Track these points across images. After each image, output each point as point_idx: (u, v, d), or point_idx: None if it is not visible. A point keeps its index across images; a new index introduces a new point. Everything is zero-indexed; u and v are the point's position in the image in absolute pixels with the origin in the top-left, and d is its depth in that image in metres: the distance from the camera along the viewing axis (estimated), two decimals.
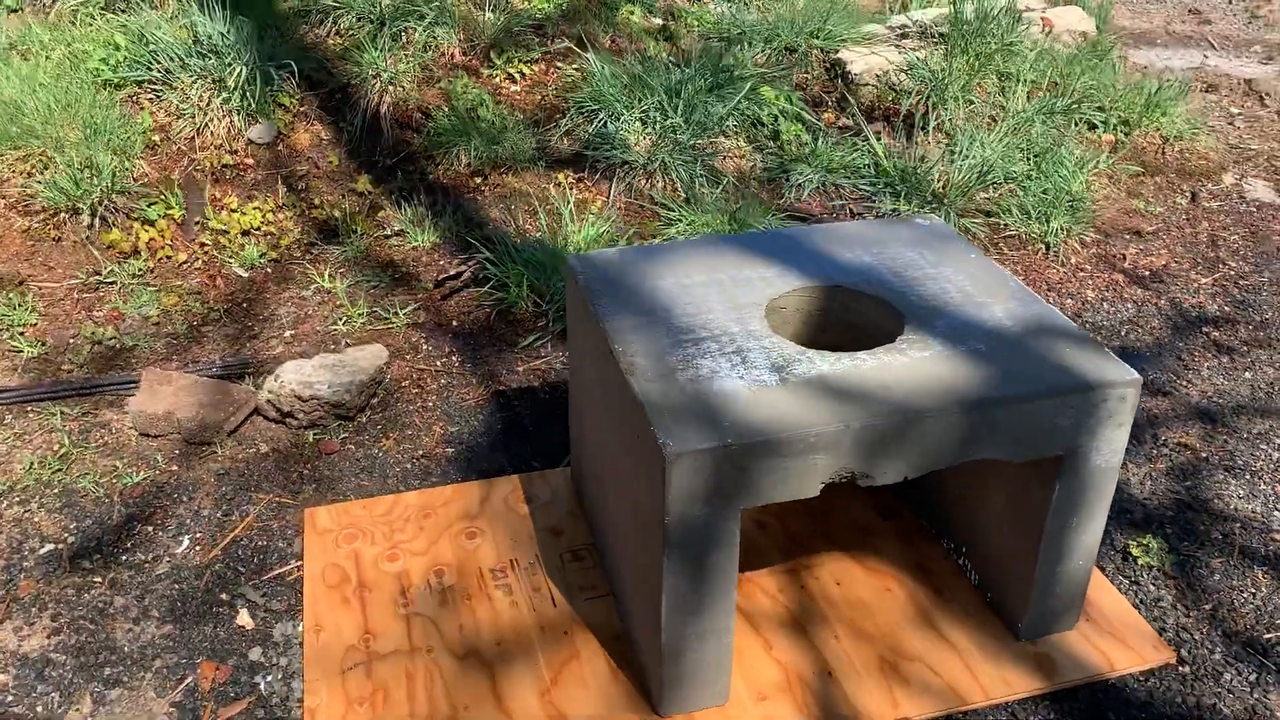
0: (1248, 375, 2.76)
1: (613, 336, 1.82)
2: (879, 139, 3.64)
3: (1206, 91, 4.57)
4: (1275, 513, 2.29)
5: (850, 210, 3.40)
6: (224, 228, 3.11)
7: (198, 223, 3.13)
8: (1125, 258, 3.31)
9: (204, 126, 3.32)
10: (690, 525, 1.61)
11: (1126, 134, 3.92)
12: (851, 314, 2.00)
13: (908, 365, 1.74)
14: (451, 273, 2.98)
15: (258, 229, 3.14)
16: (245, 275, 3.04)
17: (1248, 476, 2.39)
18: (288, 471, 2.37)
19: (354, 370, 2.54)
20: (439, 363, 2.73)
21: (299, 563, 2.14)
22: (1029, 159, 3.55)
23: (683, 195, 3.30)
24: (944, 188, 3.41)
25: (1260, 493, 2.34)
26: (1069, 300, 3.08)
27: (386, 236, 3.20)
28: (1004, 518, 1.94)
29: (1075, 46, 4.36)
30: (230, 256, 3.08)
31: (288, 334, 2.84)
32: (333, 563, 2.12)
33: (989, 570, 2.01)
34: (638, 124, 3.46)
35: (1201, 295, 3.13)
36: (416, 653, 1.92)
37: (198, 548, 2.17)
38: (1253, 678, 1.90)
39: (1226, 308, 3.07)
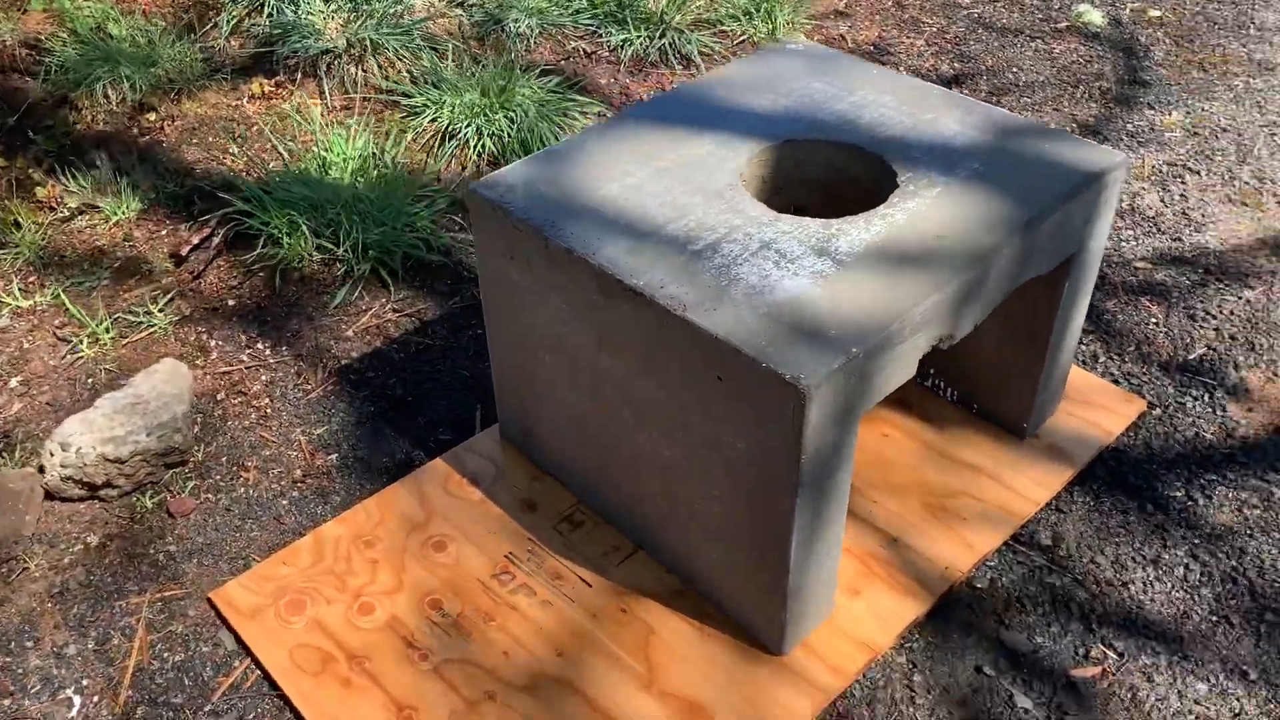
0: None
1: (615, 270, 1.50)
2: None
3: None
4: (1123, 244, 2.47)
5: (584, 50, 3.10)
6: None
7: None
8: (845, 38, 3.33)
9: None
10: (822, 455, 1.41)
11: None
12: (807, 169, 1.80)
13: (934, 206, 1.60)
14: (195, 242, 2.36)
15: None
16: None
17: None
18: (145, 557, 1.81)
19: (164, 401, 1.95)
20: (246, 357, 2.18)
21: (245, 661, 1.66)
22: None
23: (414, 75, 2.82)
24: (658, 8, 3.20)
25: None
26: None
27: (66, 219, 2.45)
28: (996, 330, 1.90)
29: None
30: None
31: (14, 383, 2.12)
32: (298, 644, 1.66)
33: (979, 383, 1.99)
34: (320, 1, 2.88)
35: (928, 58, 3.24)
36: (478, 707, 1.58)
37: (97, 700, 1.61)
38: (1206, 397, 2.08)
39: (956, 64, 3.21)
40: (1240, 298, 2.31)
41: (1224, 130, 2.89)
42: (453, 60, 2.89)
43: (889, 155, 1.72)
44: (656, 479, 1.66)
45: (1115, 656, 1.66)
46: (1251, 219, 2.54)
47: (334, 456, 1.99)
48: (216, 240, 2.36)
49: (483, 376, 2.15)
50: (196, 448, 1.98)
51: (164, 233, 2.45)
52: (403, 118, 2.72)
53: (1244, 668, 1.64)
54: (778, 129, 1.80)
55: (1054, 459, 1.94)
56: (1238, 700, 1.60)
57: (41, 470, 1.90)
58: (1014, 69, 3.18)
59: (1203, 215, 2.56)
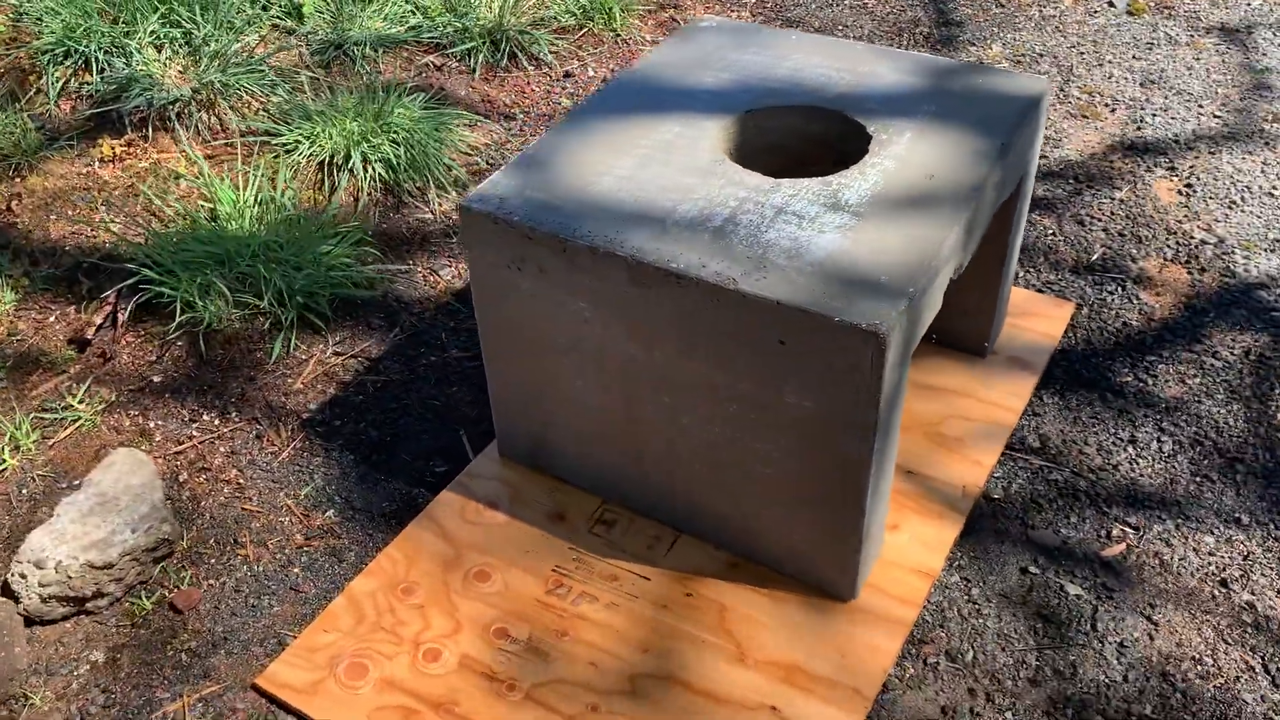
0: None
1: (650, 258, 1.50)
2: None
3: None
4: None
5: (433, 65, 3.03)
6: None
7: None
8: (678, 20, 3.41)
9: None
10: (889, 397, 1.47)
11: None
12: (769, 135, 1.85)
13: (914, 150, 1.69)
14: (98, 322, 2.16)
15: None
16: None
17: None
18: (165, 661, 1.66)
19: (136, 493, 1.79)
20: (195, 432, 2.02)
21: None
22: None
23: (271, 112, 2.68)
24: (496, 13, 3.17)
25: None
26: None
27: None
28: None
29: None
30: None
31: None
32: (375, 708, 1.57)
33: (941, 313, 2.11)
34: (151, 50, 2.68)
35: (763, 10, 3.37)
36: None
37: None
38: (1120, 290, 2.28)
39: (778, 22, 3.35)
40: (1113, 199, 2.55)
41: (1040, 56, 3.16)
42: (310, 90, 2.77)
43: (849, 111, 1.80)
44: (701, 458, 1.67)
45: (1132, 531, 1.81)
46: (1095, 129, 2.81)
47: (330, 513, 1.88)
48: (121, 316, 2.17)
49: (455, 401, 2.09)
50: (180, 537, 1.83)
51: (52, 319, 2.23)
52: (274, 157, 2.58)
53: (1237, 515, 1.83)
54: (732, 102, 1.84)
55: (1017, 369, 2.09)
56: (1242, 544, 1.78)
57: (14, 598, 1.70)
58: (840, 26, 3.36)
59: (1055, 132, 2.80)
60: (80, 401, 2.06)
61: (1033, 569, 1.76)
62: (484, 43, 3.09)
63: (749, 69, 1.93)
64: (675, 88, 1.89)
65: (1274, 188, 2.54)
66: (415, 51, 3.08)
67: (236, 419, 2.05)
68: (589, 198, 1.63)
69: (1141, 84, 2.98)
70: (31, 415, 2.03)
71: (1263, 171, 2.60)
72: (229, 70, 2.67)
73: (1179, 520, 1.83)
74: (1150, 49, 3.16)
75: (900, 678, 1.62)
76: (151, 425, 2.03)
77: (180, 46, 2.69)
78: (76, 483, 1.89)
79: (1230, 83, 2.97)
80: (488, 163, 2.73)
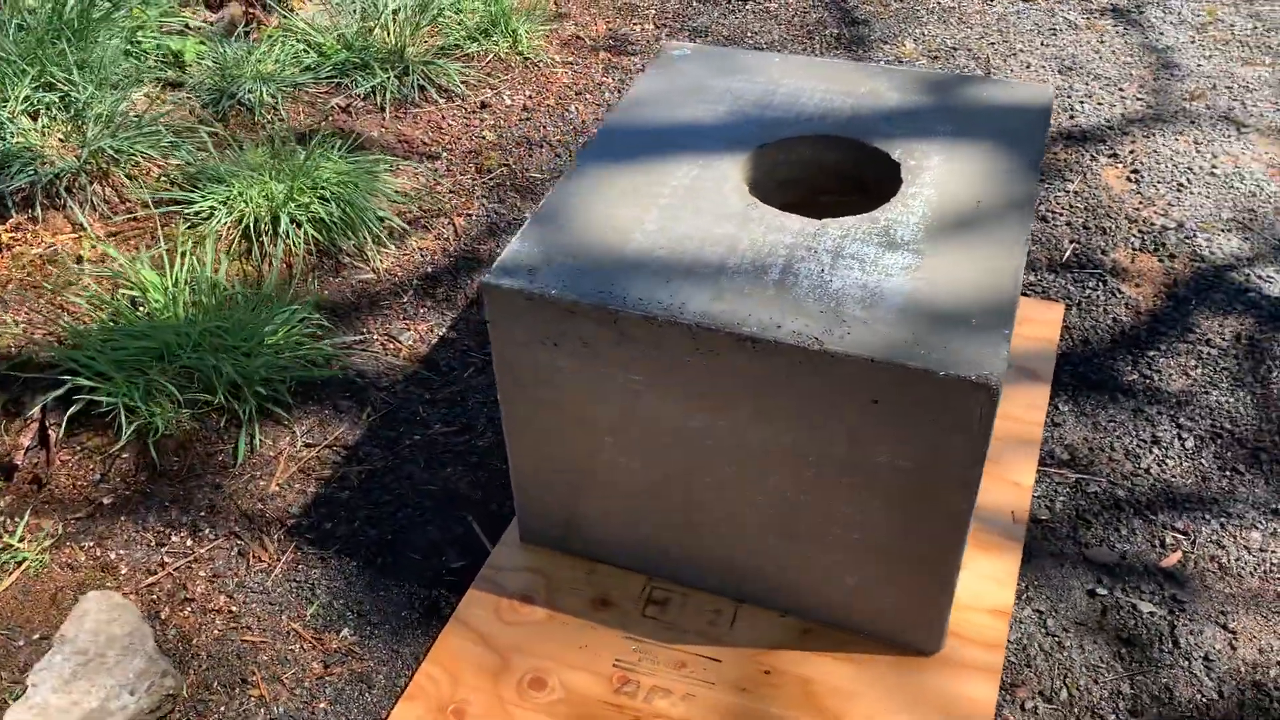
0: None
1: (717, 323, 1.37)
2: (251, 24, 2.96)
3: None
4: None
5: (339, 106, 2.80)
6: None
7: None
8: (581, 37, 3.26)
9: None
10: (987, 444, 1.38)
11: None
12: (780, 170, 1.74)
13: (950, 175, 1.61)
14: (26, 443, 1.87)
15: None
16: None
17: None
18: None
19: (124, 645, 1.54)
20: (167, 558, 1.77)
21: None
22: None
23: (172, 177, 2.41)
24: (394, 43, 2.96)
25: None
26: (616, 90, 2.98)
27: None
28: None
29: None
30: None
31: None
32: None
33: None
34: (26, 119, 2.36)
35: (666, 40, 3.26)
36: None
37: None
38: (1101, 285, 2.28)
39: (696, 41, 3.25)
40: (1068, 191, 2.55)
41: (954, 50, 3.16)
42: (213, 149, 2.50)
43: (865, 138, 1.71)
44: (770, 526, 1.55)
45: (1183, 537, 1.79)
46: None
47: (345, 632, 1.68)
48: (54, 434, 1.89)
49: (452, 484, 1.90)
50: (181, 687, 1.59)
51: None
52: (189, 228, 2.31)
53: (1274, 506, 1.83)
54: (739, 135, 1.72)
55: (1026, 379, 2.05)
56: None
57: None
58: (749, 33, 3.28)
59: None
60: (20, 540, 1.78)
61: (1100, 590, 1.72)
62: (388, 77, 2.87)
63: (744, 98, 1.82)
64: (674, 125, 1.76)
65: (1214, 167, 2.59)
66: (316, 93, 2.84)
67: (212, 536, 1.81)
68: (626, 259, 1.48)
69: (1060, 71, 3.01)
70: None
71: (1198, 151, 2.65)
72: (119, 134, 2.38)
73: (1222, 519, 1.81)
74: (1054, 35, 3.21)
75: None
76: (113, 556, 1.77)
77: (58, 112, 2.39)
78: (38, 638, 1.63)
79: (1140, 64, 3.04)
80: (421, 209, 2.53)
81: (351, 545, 1.80)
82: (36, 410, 1.91)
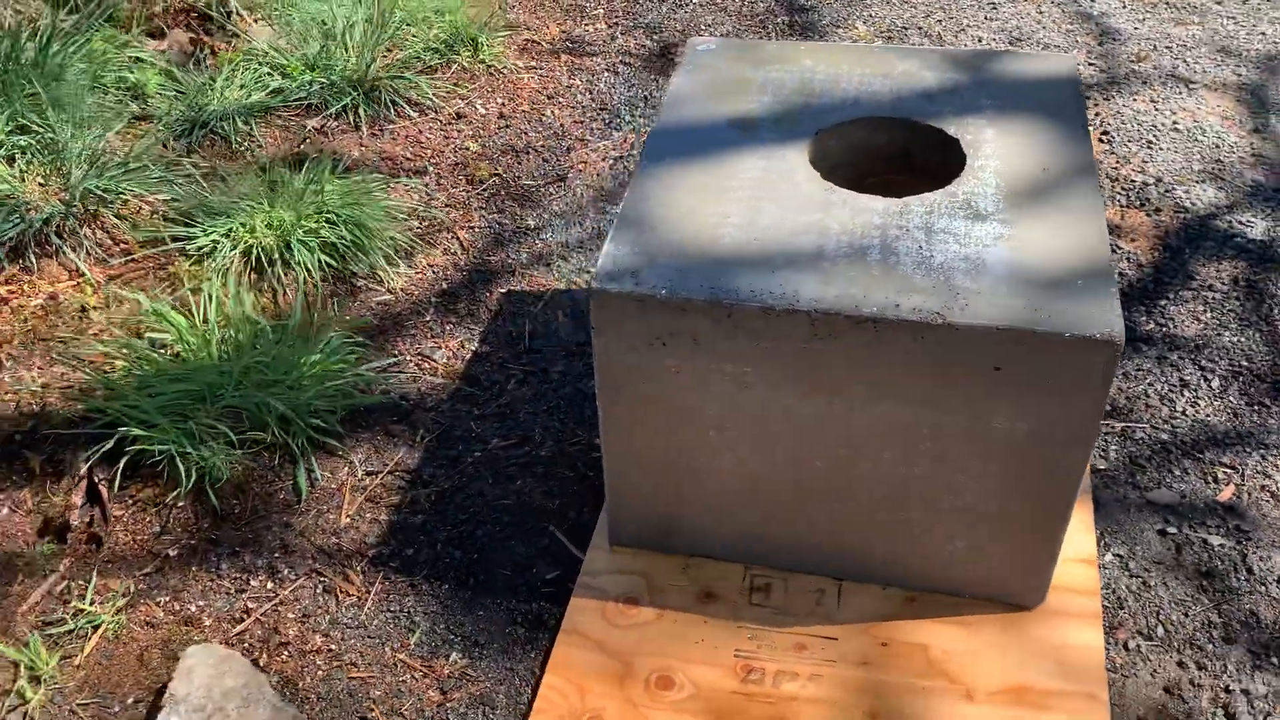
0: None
1: (836, 307, 1.39)
2: (202, 50, 2.87)
3: None
4: None
5: (314, 128, 2.73)
6: None
7: None
8: (537, 41, 3.25)
9: None
10: None
11: None
12: (833, 155, 1.77)
13: (1008, 146, 1.67)
14: (79, 502, 1.78)
15: None
16: None
17: None
18: None
19: (244, 699, 1.49)
20: (250, 603, 1.71)
21: None
22: None
23: (166, 214, 2.31)
24: (357, 61, 2.90)
25: None
26: (586, 91, 2.98)
27: None
28: None
29: None
30: None
31: None
32: None
33: None
34: (2, 165, 2.24)
35: (623, 39, 3.26)
36: None
37: None
38: None
39: (652, 38, 3.27)
40: None
41: (905, 29, 3.25)
42: (203, 181, 2.41)
43: (917, 117, 1.75)
44: (878, 500, 1.59)
45: (1232, 471, 1.89)
46: None
47: (455, 656, 1.65)
48: (105, 491, 1.80)
49: (525, 496, 1.88)
50: None
51: (3, 512, 1.82)
52: (194, 264, 2.23)
53: None
54: (793, 122, 1.75)
55: None
56: None
57: None
58: (700, 26, 3.31)
59: None
60: (91, 603, 1.70)
61: (1169, 529, 1.80)
62: (359, 95, 2.81)
63: (784, 87, 1.84)
64: (724, 119, 1.77)
65: (1175, 124, 2.74)
66: (287, 117, 2.76)
67: (292, 576, 1.75)
68: (722, 253, 1.49)
69: (1010, 43, 3.13)
70: (36, 634, 1.65)
71: (1157, 110, 2.79)
72: (104, 175, 2.28)
73: (1262, 450, 1.92)
74: (995, 9, 3.33)
75: (1112, 669, 1.61)
76: (193, 609, 1.70)
77: (36, 154, 2.27)
78: (132, 702, 1.56)
79: (1082, 31, 3.18)
80: (421, 225, 2.49)
81: (439, 569, 1.77)
82: (83, 467, 1.82)
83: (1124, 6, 3.30)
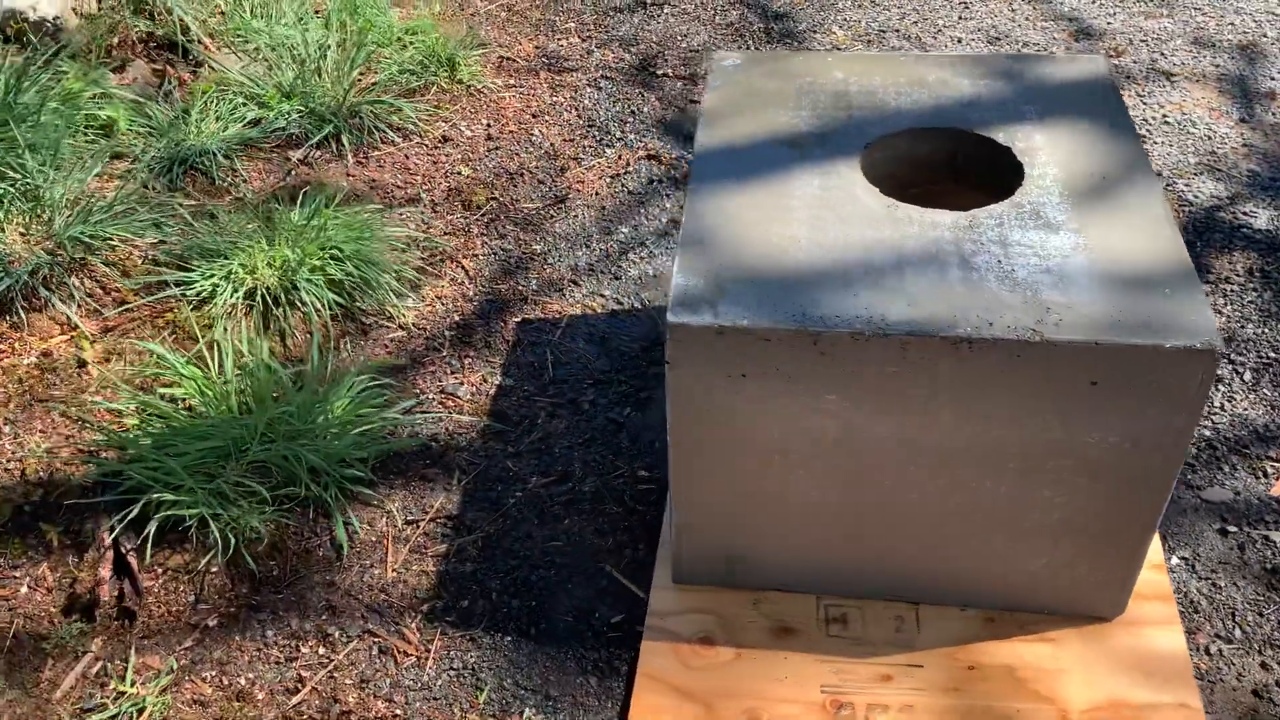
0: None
1: (926, 328, 1.35)
2: (168, 81, 2.74)
3: None
4: None
5: (298, 160, 2.61)
6: None
7: None
8: (514, 58, 3.17)
9: None
10: None
11: None
12: (879, 166, 1.73)
13: (1062, 153, 1.64)
14: (106, 575, 1.66)
15: None
16: None
17: None
18: None
19: None
20: (303, 673, 1.61)
21: None
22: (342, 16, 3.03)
23: (157, 258, 2.19)
24: (334, 87, 2.79)
25: None
26: (571, 109, 2.90)
27: None
28: None
29: None
30: None
31: None
32: None
33: None
34: None
35: (600, 54, 3.20)
36: None
37: None
38: None
39: (629, 51, 3.21)
40: None
41: (883, 33, 3.24)
42: (192, 220, 2.29)
43: (964, 126, 1.72)
44: (960, 521, 1.55)
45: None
46: None
47: (529, 712, 1.57)
48: (133, 559, 1.68)
49: (575, 537, 1.81)
50: None
51: (23, 590, 1.69)
52: (194, 309, 2.11)
53: None
54: (839, 135, 1.70)
55: None
56: None
57: None
58: (676, 37, 3.26)
59: None
60: (132, 684, 1.58)
61: (1229, 528, 1.80)
62: (340, 122, 2.70)
63: (820, 100, 1.80)
64: (767, 136, 1.72)
65: (1165, 117, 2.76)
66: (269, 149, 2.64)
67: (344, 638, 1.66)
68: (796, 276, 1.44)
69: (989, 42, 3.14)
70: (78, 709, 1.53)
71: (1145, 104, 2.82)
72: (90, 219, 2.15)
73: None
74: (968, 8, 3.34)
75: (1198, 676, 1.60)
76: (243, 682, 1.60)
77: (15, 202, 2.13)
78: None
79: (1057, 28, 3.20)
80: (425, 254, 2.39)
81: (497, 620, 1.69)
82: (107, 536, 1.70)
83: (1092, 1, 3.33)
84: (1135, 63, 2.99)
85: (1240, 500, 1.84)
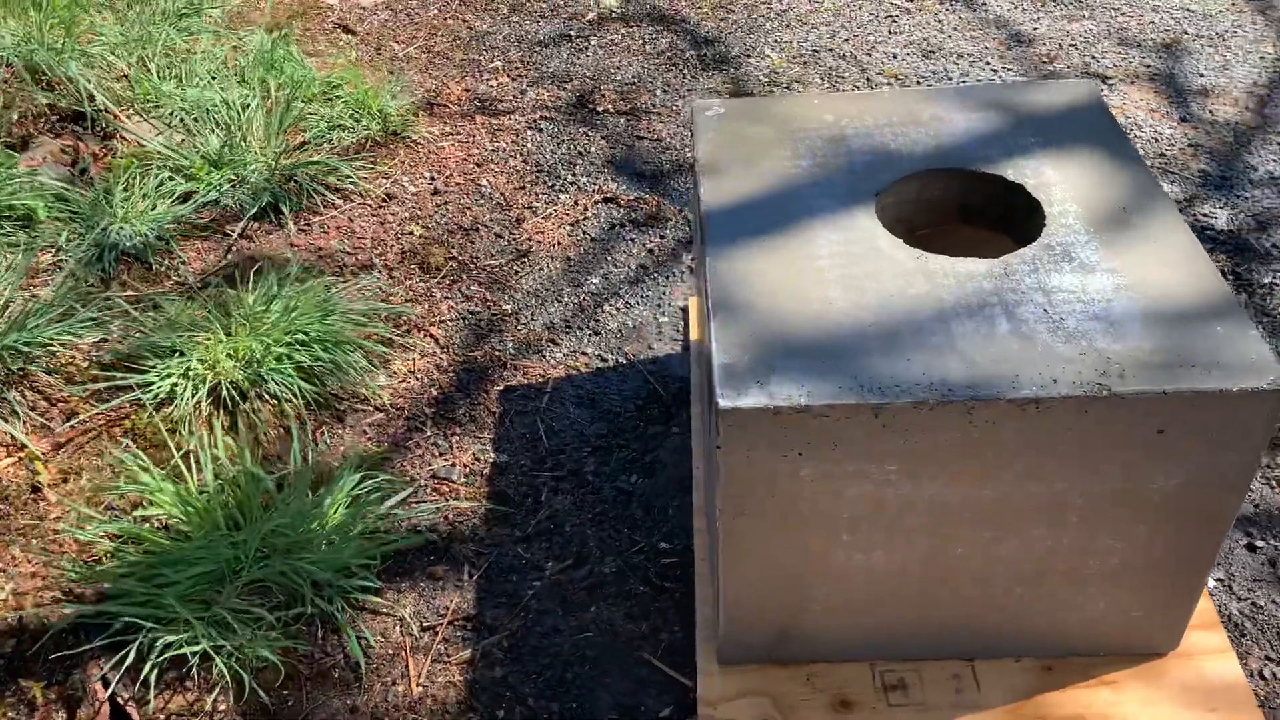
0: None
1: (990, 392, 1.30)
2: (81, 159, 2.54)
3: None
4: None
5: (236, 233, 2.45)
6: None
7: None
8: (448, 103, 3.04)
9: None
10: None
11: None
12: (888, 211, 1.67)
13: (1077, 187, 1.61)
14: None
15: None
16: None
17: None
18: None
19: None
20: None
21: None
22: (257, 71, 2.87)
23: (102, 360, 2.01)
24: (262, 151, 2.63)
25: None
26: (515, 154, 2.79)
27: None
28: None
29: None
30: None
31: None
32: None
33: None
34: None
35: (533, 94, 3.10)
36: None
37: None
38: None
39: (564, 88, 3.11)
40: None
41: (814, 52, 3.21)
42: (134, 313, 2.12)
43: (971, 165, 1.68)
44: (1019, 576, 1.50)
45: None
46: None
47: None
48: (132, 709, 1.52)
49: (605, 626, 1.71)
50: None
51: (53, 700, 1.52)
52: (150, 415, 1.95)
53: None
54: (846, 182, 1.64)
55: None
56: None
57: None
58: (612, 71, 3.18)
59: None
60: None
61: (1257, 543, 1.80)
62: (278, 190, 2.55)
63: (818, 145, 1.74)
64: (773, 189, 1.65)
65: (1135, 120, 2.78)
66: (203, 226, 2.47)
67: None
68: (844, 343, 1.37)
69: (924, 55, 3.13)
70: None
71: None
72: (28, 324, 1.96)
73: None
74: (894, 21, 3.33)
75: (1260, 703, 1.58)
76: None
77: None
78: None
79: (987, 36, 3.22)
80: (389, 325, 2.26)
81: None
82: (97, 687, 1.53)
83: (1014, 7, 3.37)
84: (1069, 67, 3.02)
85: (1261, 512, 1.84)
